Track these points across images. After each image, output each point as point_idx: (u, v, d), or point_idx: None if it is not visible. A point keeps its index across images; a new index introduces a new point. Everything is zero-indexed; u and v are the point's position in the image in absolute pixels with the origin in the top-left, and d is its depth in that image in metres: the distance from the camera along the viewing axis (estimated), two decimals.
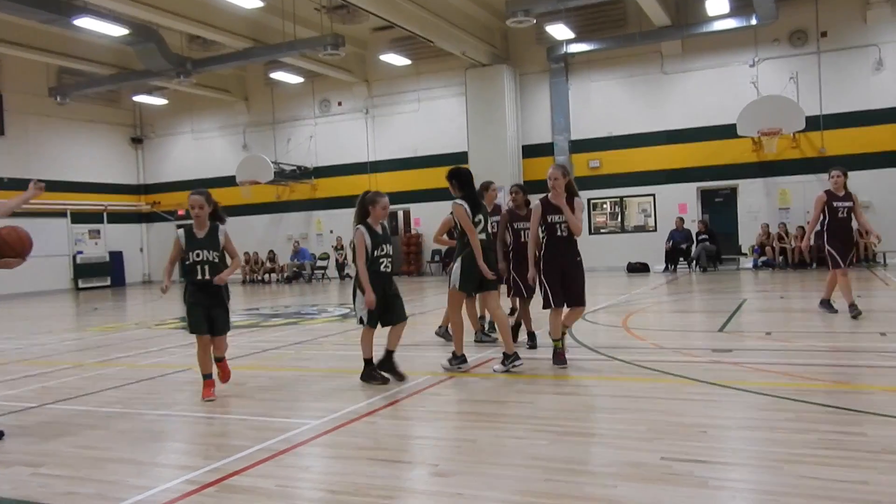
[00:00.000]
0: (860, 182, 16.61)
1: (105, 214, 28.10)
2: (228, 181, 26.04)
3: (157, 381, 7.13)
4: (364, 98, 25.63)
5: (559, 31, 20.45)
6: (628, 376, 6.15)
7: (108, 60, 24.39)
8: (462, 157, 23.33)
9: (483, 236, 6.72)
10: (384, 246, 6.31)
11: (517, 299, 8.11)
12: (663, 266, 20.88)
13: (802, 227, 19.80)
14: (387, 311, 6.28)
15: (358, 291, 6.26)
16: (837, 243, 9.07)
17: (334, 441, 4.63)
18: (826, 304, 9.42)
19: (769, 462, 3.83)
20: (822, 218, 9.17)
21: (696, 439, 4.28)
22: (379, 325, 6.27)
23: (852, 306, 8.93)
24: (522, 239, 7.67)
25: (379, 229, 6.34)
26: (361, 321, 6.29)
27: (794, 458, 3.81)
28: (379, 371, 6.29)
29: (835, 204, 9.06)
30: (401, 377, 6.29)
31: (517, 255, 7.69)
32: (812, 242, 9.61)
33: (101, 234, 28.02)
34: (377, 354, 6.31)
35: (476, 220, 6.70)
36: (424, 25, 19.56)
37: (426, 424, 5.12)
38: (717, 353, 7.04)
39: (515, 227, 7.87)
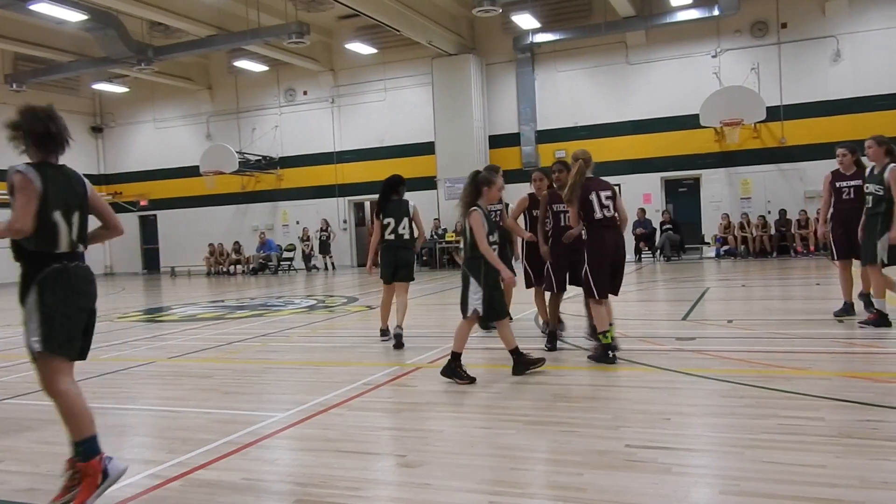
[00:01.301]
0: (819, 172, 16.95)
1: None
2: (192, 171, 25.71)
3: (120, 374, 7.02)
4: (330, 87, 25.42)
5: (525, 20, 20.49)
6: (594, 365, 6.20)
7: (67, 47, 23.81)
8: (429, 146, 23.32)
9: (392, 237, 7.83)
10: (495, 232, 5.85)
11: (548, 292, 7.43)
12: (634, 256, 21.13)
13: (763, 217, 20.21)
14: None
15: (472, 280, 5.75)
16: (837, 229, 7.91)
17: (301, 433, 4.60)
18: (874, 308, 7.55)
19: (730, 448, 3.90)
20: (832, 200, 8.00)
21: (659, 426, 4.34)
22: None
23: (847, 306, 7.95)
24: (563, 223, 6.93)
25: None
26: (487, 316, 5.79)
27: (755, 444, 3.89)
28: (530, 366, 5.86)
29: (838, 184, 7.93)
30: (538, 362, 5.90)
31: (556, 242, 6.98)
32: (827, 228, 8.10)
33: None
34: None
35: (385, 222, 7.86)
36: (390, 14, 19.45)
37: (393, 416, 5.12)
38: (681, 342, 7.14)
39: (555, 209, 7.01)
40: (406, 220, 7.88)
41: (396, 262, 7.91)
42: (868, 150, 7.56)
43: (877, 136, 7.61)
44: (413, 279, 8.18)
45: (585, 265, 6.36)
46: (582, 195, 6.30)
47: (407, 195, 8.14)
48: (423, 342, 7.91)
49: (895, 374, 5.50)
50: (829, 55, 19.88)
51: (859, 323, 7.49)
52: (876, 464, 3.51)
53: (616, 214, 6.43)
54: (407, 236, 7.89)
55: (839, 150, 8.06)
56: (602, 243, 6.35)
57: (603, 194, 6.34)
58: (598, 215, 6.31)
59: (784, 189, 20.49)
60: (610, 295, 6.47)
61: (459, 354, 5.81)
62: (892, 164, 7.25)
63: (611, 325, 6.38)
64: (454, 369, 5.76)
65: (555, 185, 7.17)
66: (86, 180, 3.67)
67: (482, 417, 4.76)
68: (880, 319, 7.28)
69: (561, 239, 6.84)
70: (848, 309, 7.96)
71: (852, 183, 7.88)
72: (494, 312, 5.83)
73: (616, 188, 6.63)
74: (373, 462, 4.00)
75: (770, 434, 4.04)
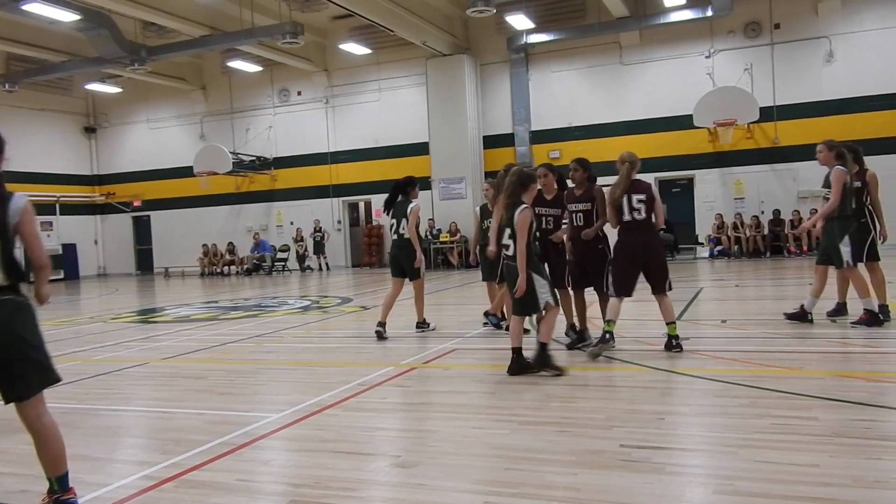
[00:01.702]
0: (813, 173, 17.01)
1: (57, 206, 27.37)
2: (186, 172, 25.64)
3: (114, 375, 7.00)
4: (324, 87, 25.38)
5: (519, 21, 20.48)
6: (587, 365, 6.21)
7: (60, 47, 23.69)
8: (423, 147, 23.32)
9: (395, 236, 8.43)
10: (535, 233, 6.00)
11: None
12: None
13: (757, 217, 20.28)
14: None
15: (535, 276, 5.76)
16: None
17: (295, 434, 4.60)
18: (881, 311, 7.41)
19: (724, 447, 3.91)
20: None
21: (653, 426, 4.35)
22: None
23: (840, 306, 7.90)
24: (575, 222, 6.86)
25: None
26: (546, 306, 5.79)
27: (749, 443, 3.90)
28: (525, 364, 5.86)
29: None
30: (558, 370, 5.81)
31: (572, 240, 6.93)
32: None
33: (54, 227, 27.31)
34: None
35: (390, 222, 8.48)
36: (385, 14, 19.43)
37: (388, 416, 5.12)
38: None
39: (571, 208, 6.93)
40: (404, 220, 8.37)
41: (399, 261, 8.48)
42: (819, 155, 7.67)
43: (827, 140, 7.74)
44: (417, 277, 8.41)
45: (608, 262, 6.70)
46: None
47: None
48: (418, 343, 7.91)
49: (888, 374, 5.52)
50: (822, 56, 19.94)
51: (851, 323, 7.52)
52: (869, 463, 3.53)
53: (647, 217, 6.43)
54: (407, 235, 8.36)
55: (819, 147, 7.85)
56: (625, 245, 6.49)
57: (635, 197, 6.40)
58: (626, 217, 6.44)
59: (777, 189, 20.55)
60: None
61: (546, 345, 5.83)
62: (837, 167, 7.36)
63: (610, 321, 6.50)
64: (544, 358, 5.79)
65: (571, 183, 7.10)
66: (15, 206, 3.29)
67: (477, 417, 4.76)
68: (871, 319, 7.31)
69: (575, 237, 6.88)
70: (840, 309, 7.97)
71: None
72: (521, 307, 5.85)
73: (656, 191, 6.61)
74: (367, 462, 4.00)
75: (764, 433, 4.05)
